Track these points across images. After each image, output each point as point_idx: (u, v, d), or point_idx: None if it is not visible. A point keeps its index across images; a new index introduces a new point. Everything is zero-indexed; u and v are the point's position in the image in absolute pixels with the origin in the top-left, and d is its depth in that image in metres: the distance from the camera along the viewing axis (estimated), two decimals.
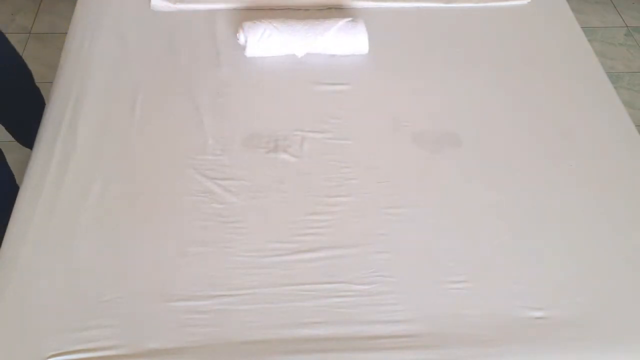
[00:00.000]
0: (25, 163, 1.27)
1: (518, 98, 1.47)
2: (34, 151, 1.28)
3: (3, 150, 1.32)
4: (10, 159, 1.34)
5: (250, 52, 1.50)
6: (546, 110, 1.44)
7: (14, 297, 1.06)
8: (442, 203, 1.24)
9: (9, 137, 1.68)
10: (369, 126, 1.37)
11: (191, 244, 1.14)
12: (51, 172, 1.23)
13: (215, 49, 1.53)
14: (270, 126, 1.35)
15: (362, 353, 1.02)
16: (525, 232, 1.20)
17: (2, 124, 1.27)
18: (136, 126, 1.34)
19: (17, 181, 1.42)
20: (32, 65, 1.56)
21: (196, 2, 1.62)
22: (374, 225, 1.19)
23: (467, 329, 1.05)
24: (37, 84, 1.58)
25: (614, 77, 2.33)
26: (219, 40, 1.55)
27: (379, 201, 1.23)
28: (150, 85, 1.43)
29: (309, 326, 1.04)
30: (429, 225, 1.20)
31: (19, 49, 2.23)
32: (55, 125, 1.32)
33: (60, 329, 1.01)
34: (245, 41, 1.49)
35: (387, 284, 1.10)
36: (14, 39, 1.48)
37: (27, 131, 1.16)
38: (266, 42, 1.49)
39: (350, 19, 1.54)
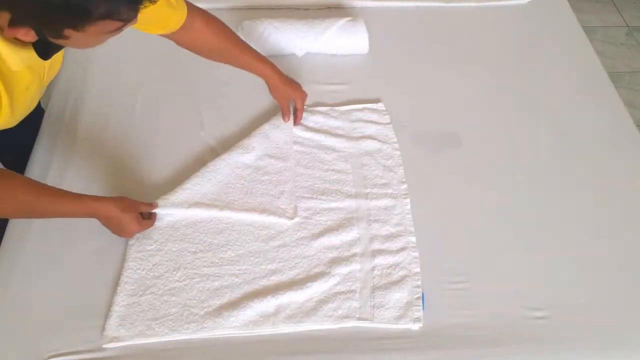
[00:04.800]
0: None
1: (518, 98, 1.46)
2: (34, 151, 1.28)
3: None
4: None
5: None
6: (546, 110, 1.44)
7: (14, 297, 1.06)
8: (442, 203, 1.23)
9: None
10: None
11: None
12: (51, 172, 1.23)
13: None
14: None
15: (362, 354, 1.01)
16: (525, 232, 1.19)
17: None
18: (136, 126, 1.34)
19: None
20: None
21: (196, 2, 1.62)
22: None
23: (467, 329, 1.05)
24: None
25: (615, 77, 2.33)
26: None
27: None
28: (150, 85, 1.43)
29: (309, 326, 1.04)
30: (429, 225, 1.19)
31: None
32: (55, 126, 1.32)
33: (60, 329, 1.02)
34: (245, 40, 1.49)
35: None
36: None
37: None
38: (266, 41, 1.49)
39: (350, 18, 1.54)
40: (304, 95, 1.33)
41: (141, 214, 1.11)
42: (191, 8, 1.14)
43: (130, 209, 1.07)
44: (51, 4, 0.63)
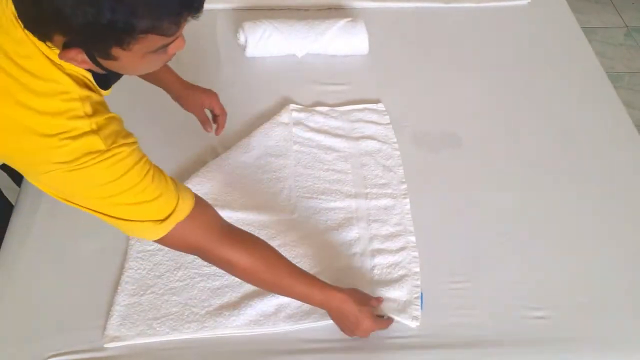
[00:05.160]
0: None
1: (518, 98, 1.47)
2: None
3: None
4: None
5: (250, 52, 1.50)
6: (546, 110, 1.44)
7: (14, 297, 1.06)
8: (442, 203, 1.24)
9: None
10: None
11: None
12: None
13: (216, 49, 1.53)
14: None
15: (362, 354, 1.02)
16: (525, 232, 1.19)
17: None
18: (136, 126, 1.34)
19: (18, 182, 1.42)
20: None
21: None
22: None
23: (467, 329, 1.05)
24: None
25: (614, 77, 2.33)
26: (219, 40, 1.56)
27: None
28: (151, 86, 1.43)
29: (309, 326, 1.04)
30: (429, 225, 1.19)
31: None
32: None
33: (60, 329, 1.02)
34: (246, 41, 1.49)
35: None
36: None
37: None
38: (266, 42, 1.49)
39: (350, 19, 1.54)
40: (217, 97, 1.22)
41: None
42: None
43: (364, 302, 1.00)
44: (97, 19, 0.64)
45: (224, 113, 1.23)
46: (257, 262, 0.91)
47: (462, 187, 1.27)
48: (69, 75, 0.74)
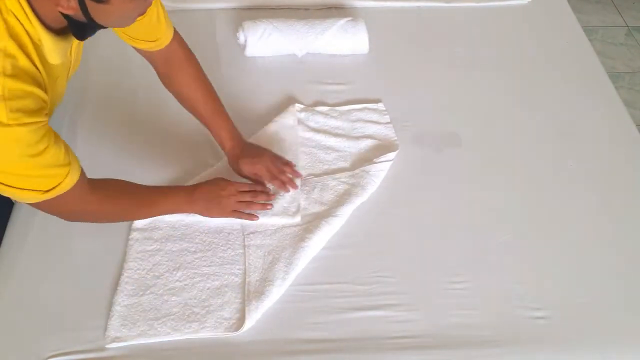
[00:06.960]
0: None
1: (518, 98, 1.47)
2: None
3: None
4: None
5: (250, 51, 1.50)
6: (546, 110, 1.44)
7: (14, 297, 1.06)
8: (442, 203, 1.23)
9: None
10: None
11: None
12: None
13: (215, 49, 1.53)
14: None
15: (362, 354, 1.01)
16: (525, 232, 1.19)
17: None
18: (137, 127, 1.34)
19: None
20: None
21: (196, 2, 1.62)
22: (375, 225, 1.19)
23: (467, 329, 1.05)
24: None
25: (615, 77, 2.33)
26: (218, 39, 1.55)
27: (379, 201, 1.23)
28: (150, 86, 1.43)
29: (310, 327, 1.04)
30: (430, 225, 1.19)
31: None
32: (55, 126, 1.32)
33: (60, 329, 1.01)
34: (245, 41, 1.49)
35: (387, 284, 1.10)
36: None
37: None
38: (266, 41, 1.49)
39: (350, 18, 1.54)
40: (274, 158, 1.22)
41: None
42: (177, 33, 1.15)
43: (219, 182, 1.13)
44: None
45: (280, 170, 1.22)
46: (118, 206, 1.04)
47: (462, 187, 1.26)
48: (8, 26, 0.74)
